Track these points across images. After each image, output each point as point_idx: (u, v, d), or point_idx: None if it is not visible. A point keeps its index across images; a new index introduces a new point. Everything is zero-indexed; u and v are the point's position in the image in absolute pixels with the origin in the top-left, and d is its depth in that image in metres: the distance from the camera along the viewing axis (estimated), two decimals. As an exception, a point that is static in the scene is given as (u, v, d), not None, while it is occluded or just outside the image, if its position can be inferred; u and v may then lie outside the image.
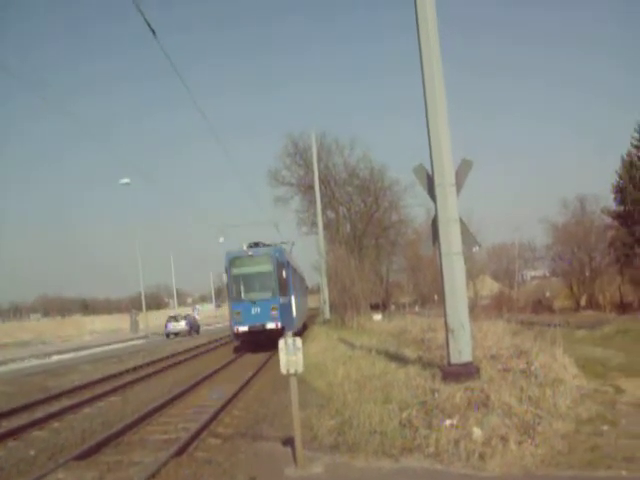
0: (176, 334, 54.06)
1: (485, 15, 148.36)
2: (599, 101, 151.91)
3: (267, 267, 28.49)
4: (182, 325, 55.79)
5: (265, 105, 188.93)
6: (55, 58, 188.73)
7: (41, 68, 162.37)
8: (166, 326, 55.80)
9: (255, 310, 27.54)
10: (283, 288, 28.55)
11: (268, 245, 30.71)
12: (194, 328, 58.21)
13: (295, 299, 31.42)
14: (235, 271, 28.49)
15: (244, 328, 27.40)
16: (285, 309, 28.58)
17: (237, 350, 27.99)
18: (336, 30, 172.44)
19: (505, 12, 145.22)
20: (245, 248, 29.71)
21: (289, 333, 7.96)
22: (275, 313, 27.59)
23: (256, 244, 30.07)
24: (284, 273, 28.71)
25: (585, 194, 52.90)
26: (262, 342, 26.34)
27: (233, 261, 28.63)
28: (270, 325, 27.26)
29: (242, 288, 28.57)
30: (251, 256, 28.88)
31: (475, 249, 12.06)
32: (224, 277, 29.75)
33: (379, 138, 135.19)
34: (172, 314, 63.25)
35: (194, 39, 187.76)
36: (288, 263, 30.55)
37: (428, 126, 11.30)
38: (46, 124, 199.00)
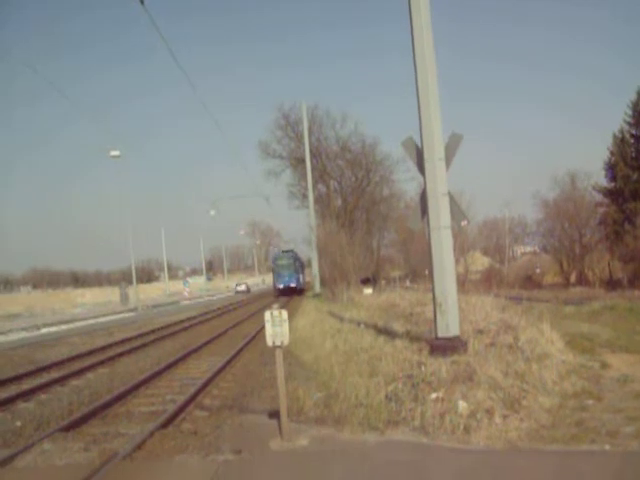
0: (241, 292, 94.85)
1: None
2: (592, 79, 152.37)
3: (289, 261, 63.57)
4: (243, 287, 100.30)
5: (258, 81, 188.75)
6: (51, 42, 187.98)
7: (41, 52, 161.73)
8: (235, 287, 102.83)
9: (284, 278, 62.44)
10: (296, 269, 63.73)
11: (290, 250, 68.84)
12: (249, 290, 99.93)
13: (300, 274, 66.34)
14: (278, 262, 64.79)
15: (280, 286, 62.40)
16: (297, 278, 63.40)
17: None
18: (331, 13, 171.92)
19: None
20: (280, 252, 69.32)
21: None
22: (293, 279, 62.50)
23: (285, 251, 68.21)
24: (296, 263, 64.07)
25: (576, 170, 52.89)
26: (287, 292, 60.54)
27: (276, 257, 67.70)
28: (292, 284, 61.96)
29: (280, 268, 63.65)
30: (283, 255, 66.16)
31: (464, 223, 12.02)
32: (272, 265, 69.33)
33: (371, 113, 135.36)
34: (238, 282, 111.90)
35: (188, 17, 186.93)
36: (297, 258, 66.08)
37: (418, 99, 11.25)
38: (41, 102, 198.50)
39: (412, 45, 11.37)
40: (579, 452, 6.59)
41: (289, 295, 57.80)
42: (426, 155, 11.10)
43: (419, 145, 11.33)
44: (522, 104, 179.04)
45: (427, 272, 53.23)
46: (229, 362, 15.23)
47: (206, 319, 33.68)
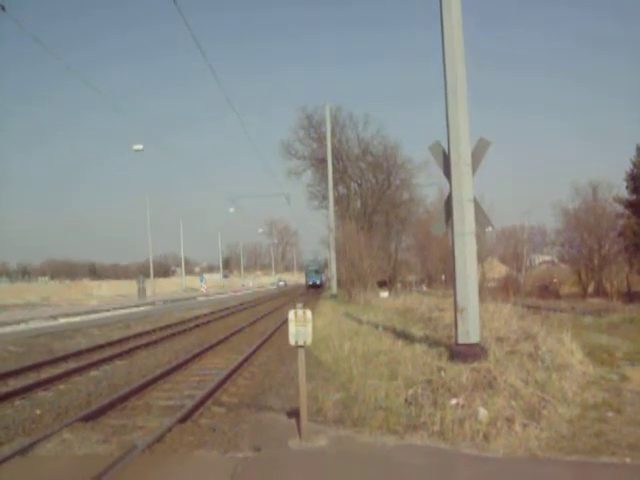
0: (281, 286, 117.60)
1: (508, 11, 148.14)
2: (616, 91, 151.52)
3: (315, 267, 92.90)
4: (282, 283, 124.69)
5: (283, 82, 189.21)
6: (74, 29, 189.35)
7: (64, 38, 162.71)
8: (278, 282, 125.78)
9: (312, 278, 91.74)
10: (319, 272, 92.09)
11: (316, 259, 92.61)
12: (286, 284, 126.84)
13: (322, 274, 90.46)
14: (308, 267, 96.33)
15: (310, 282, 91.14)
16: (320, 278, 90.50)
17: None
18: (358, 14, 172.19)
19: (526, 9, 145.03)
20: (310, 260, 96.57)
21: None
22: (317, 279, 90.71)
23: (312, 260, 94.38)
24: (319, 268, 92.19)
25: (598, 181, 52.50)
26: (312, 287, 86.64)
27: (307, 264, 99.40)
28: (317, 282, 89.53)
29: (309, 270, 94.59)
30: (311, 262, 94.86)
31: (488, 230, 12.01)
32: (304, 269, 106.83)
33: (393, 116, 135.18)
34: (279, 277, 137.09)
35: (216, 17, 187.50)
36: (320, 264, 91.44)
37: (447, 103, 11.23)
38: (65, 91, 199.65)
39: (442, 48, 11.36)
40: (599, 464, 6.57)
41: (314, 289, 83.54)
42: (453, 160, 11.08)
43: (446, 150, 11.32)
44: (543, 113, 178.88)
45: (444, 277, 53.24)
46: (247, 359, 15.26)
47: (221, 316, 33.72)
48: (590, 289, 48.92)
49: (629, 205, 46.22)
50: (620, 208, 48.17)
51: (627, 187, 46.42)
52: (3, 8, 15.06)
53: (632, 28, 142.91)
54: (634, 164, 45.58)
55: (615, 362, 12.34)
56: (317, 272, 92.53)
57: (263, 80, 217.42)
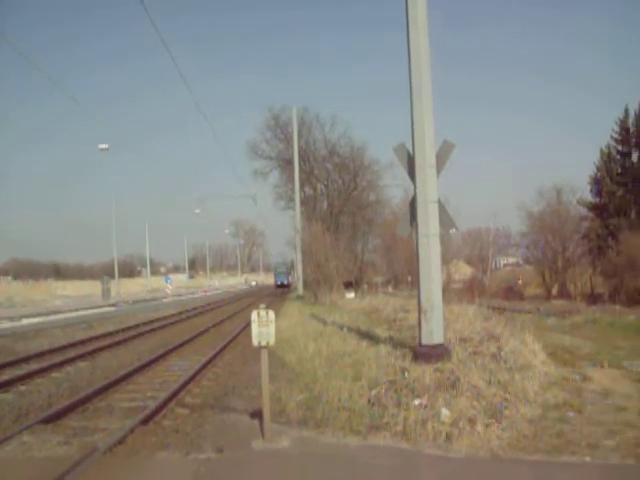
0: (253, 286, 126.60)
1: (471, 9, 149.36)
2: (582, 95, 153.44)
3: (283, 269, 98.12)
4: (254, 283, 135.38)
5: (249, 84, 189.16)
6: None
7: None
8: (252, 283, 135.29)
9: (281, 278, 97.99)
10: (287, 273, 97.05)
11: (284, 262, 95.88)
12: (257, 284, 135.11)
13: (290, 276, 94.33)
14: (277, 269, 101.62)
15: (278, 282, 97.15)
16: (287, 279, 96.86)
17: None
18: (322, 16, 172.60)
19: (490, 7, 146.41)
20: (278, 262, 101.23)
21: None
22: (285, 279, 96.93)
23: (280, 262, 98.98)
24: (287, 270, 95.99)
25: (562, 184, 53.14)
26: (280, 287, 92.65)
27: (276, 265, 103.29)
28: (285, 282, 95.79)
29: (278, 272, 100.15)
30: (280, 264, 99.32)
31: (452, 231, 12.08)
32: (273, 270, 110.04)
33: (360, 118, 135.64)
34: (245, 278, 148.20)
35: (182, 17, 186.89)
36: (288, 266, 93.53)
37: (412, 105, 11.27)
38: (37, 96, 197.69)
39: (407, 50, 11.39)
40: (560, 463, 6.65)
41: (282, 288, 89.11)
42: (417, 162, 11.12)
43: (410, 152, 11.35)
44: (509, 115, 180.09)
45: (410, 278, 53.38)
46: (210, 360, 15.18)
47: (187, 317, 33.53)
48: (554, 291, 49.47)
49: (593, 208, 46.93)
50: (584, 211, 48.88)
51: (591, 190, 47.17)
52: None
53: (609, 25, 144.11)
54: (598, 168, 46.24)
55: (577, 362, 12.48)
56: (285, 273, 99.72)
57: (230, 82, 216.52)
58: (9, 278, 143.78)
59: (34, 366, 15.20)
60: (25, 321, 32.91)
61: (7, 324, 31.05)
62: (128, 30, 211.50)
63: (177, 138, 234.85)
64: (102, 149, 52.72)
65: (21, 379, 13.29)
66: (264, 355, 7.80)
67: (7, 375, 13.92)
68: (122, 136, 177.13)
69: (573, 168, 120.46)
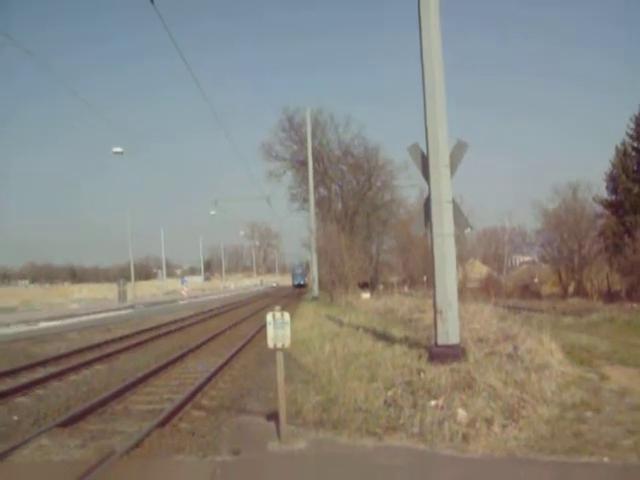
0: (274, 286, 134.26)
1: (486, 11, 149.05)
2: (598, 91, 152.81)
3: (300, 270, 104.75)
4: (274, 284, 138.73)
5: (265, 85, 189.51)
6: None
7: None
8: (271, 284, 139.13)
9: (298, 279, 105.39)
10: (304, 274, 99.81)
11: (301, 263, 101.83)
12: (277, 285, 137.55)
13: (306, 277, 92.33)
14: (295, 270, 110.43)
15: (296, 283, 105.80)
16: (304, 279, 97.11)
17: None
18: (337, 16, 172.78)
19: (505, 8, 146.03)
20: (296, 264, 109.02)
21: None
22: (302, 280, 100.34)
23: (298, 264, 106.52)
24: (304, 271, 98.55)
25: (578, 181, 52.79)
26: (298, 287, 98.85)
27: (294, 267, 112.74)
28: (302, 283, 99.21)
29: (295, 273, 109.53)
30: (298, 266, 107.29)
31: (467, 231, 12.06)
32: (291, 271, 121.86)
33: (374, 118, 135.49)
34: (261, 280, 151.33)
35: (195, 19, 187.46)
36: (304, 267, 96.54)
37: (425, 105, 11.24)
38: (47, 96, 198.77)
39: (420, 51, 11.37)
40: (578, 464, 6.59)
41: (299, 288, 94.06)
42: (431, 162, 11.09)
43: (424, 152, 11.33)
44: (524, 113, 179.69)
45: (425, 278, 53.27)
46: (227, 362, 15.21)
47: (203, 318, 33.63)
48: (571, 289, 49.14)
49: (609, 205, 46.52)
50: (600, 208, 48.46)
51: (607, 187, 46.74)
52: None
53: (624, 25, 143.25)
54: (613, 165, 45.89)
55: (594, 361, 12.40)
56: (302, 274, 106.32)
57: (245, 84, 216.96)
58: (26, 282, 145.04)
59: (51, 369, 15.28)
60: (42, 324, 33.05)
61: (24, 327, 31.19)
62: (139, 32, 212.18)
63: (191, 140, 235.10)
64: (116, 152, 52.79)
65: (38, 382, 13.37)
66: (280, 357, 7.80)
67: (25, 378, 14.00)
68: (137, 138, 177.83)
69: (588, 166, 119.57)
